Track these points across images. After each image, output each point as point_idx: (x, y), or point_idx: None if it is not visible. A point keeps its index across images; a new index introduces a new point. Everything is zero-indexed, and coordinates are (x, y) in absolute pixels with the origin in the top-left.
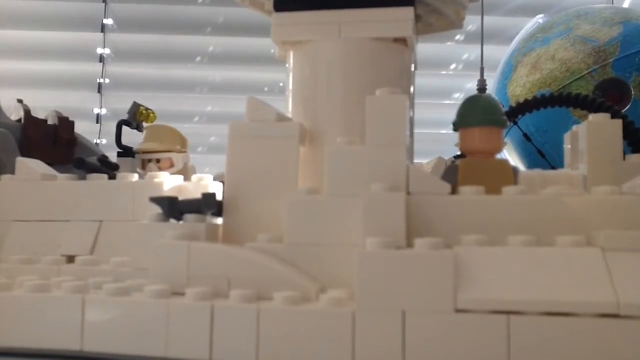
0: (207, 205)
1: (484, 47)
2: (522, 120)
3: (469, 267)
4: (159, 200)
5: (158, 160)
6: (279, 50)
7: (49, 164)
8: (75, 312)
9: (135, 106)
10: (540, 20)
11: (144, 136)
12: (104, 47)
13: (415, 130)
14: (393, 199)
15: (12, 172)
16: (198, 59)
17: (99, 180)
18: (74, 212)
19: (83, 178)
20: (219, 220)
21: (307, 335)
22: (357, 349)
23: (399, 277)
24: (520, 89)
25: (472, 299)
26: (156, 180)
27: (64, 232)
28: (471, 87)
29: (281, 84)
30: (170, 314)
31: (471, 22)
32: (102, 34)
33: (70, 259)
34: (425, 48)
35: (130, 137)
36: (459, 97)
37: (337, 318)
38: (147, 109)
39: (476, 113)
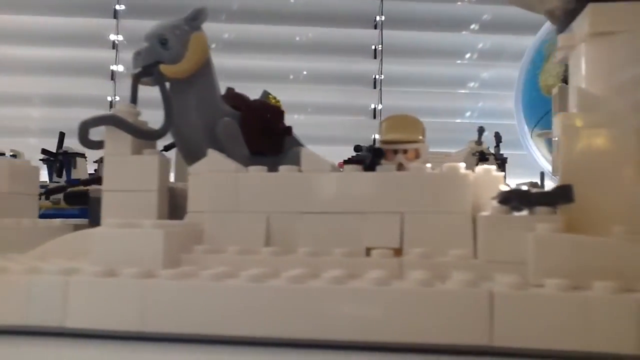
0: (565, 197)
1: (502, 37)
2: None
3: None
4: (511, 193)
5: (405, 151)
6: (563, 42)
7: (260, 154)
8: (481, 308)
9: (265, 95)
10: None
11: (386, 126)
12: (117, 34)
13: (430, 120)
14: None
15: (240, 163)
16: (213, 46)
17: (394, 172)
18: (373, 204)
19: (371, 169)
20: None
21: None
22: None
23: None
24: (553, 79)
25: None
26: (461, 172)
27: (363, 224)
28: (486, 76)
29: (305, 72)
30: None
31: (486, 12)
32: (114, 20)
33: (367, 251)
34: (440, 37)
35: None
36: (474, 87)
37: None
38: (274, 97)
39: None
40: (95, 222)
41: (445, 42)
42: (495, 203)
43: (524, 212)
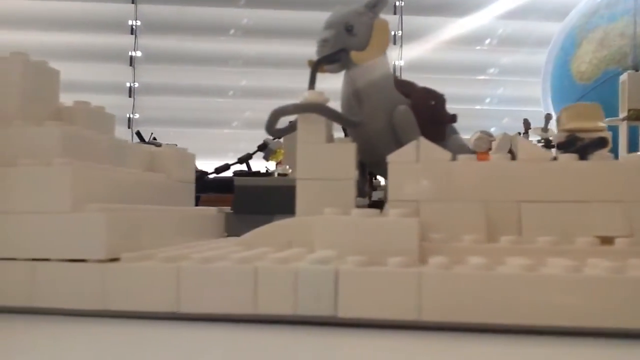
0: None
1: (521, 22)
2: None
3: None
4: None
5: None
6: None
7: None
8: None
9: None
10: None
11: (567, 115)
12: (135, 19)
13: (450, 106)
14: None
15: None
16: (232, 31)
17: (614, 160)
18: (595, 193)
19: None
20: None
21: None
22: None
23: None
24: (586, 66)
25: None
26: None
27: (588, 213)
28: (506, 62)
29: None
30: None
31: None
32: (133, 5)
33: (604, 240)
34: (459, 23)
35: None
36: (493, 73)
37: None
38: None
39: None
40: (239, 210)
41: (464, 27)
42: None
43: None
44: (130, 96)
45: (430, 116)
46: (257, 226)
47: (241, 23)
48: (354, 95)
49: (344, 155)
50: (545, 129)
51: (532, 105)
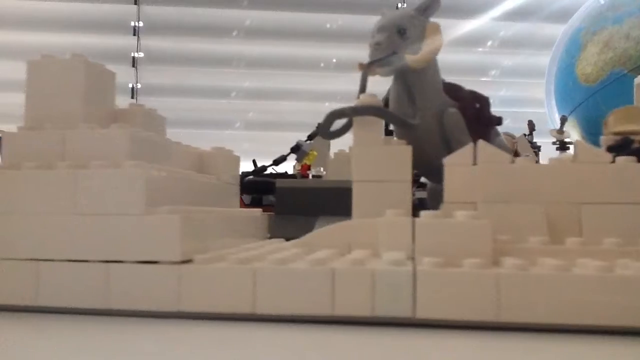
0: None
1: (527, 24)
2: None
3: None
4: None
5: None
6: None
7: None
8: None
9: None
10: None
11: (614, 119)
12: (138, 20)
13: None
14: None
15: None
16: (235, 32)
17: None
18: None
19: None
20: None
21: None
22: None
23: None
24: (591, 68)
25: None
26: None
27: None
28: (508, 64)
29: (334, 60)
30: None
31: None
32: (135, 6)
33: None
34: (461, 25)
35: None
36: (495, 74)
37: None
38: None
39: None
40: (280, 211)
41: (466, 29)
42: None
43: None
44: (132, 97)
45: (477, 119)
46: (299, 228)
47: (244, 24)
48: (407, 99)
49: (400, 158)
50: (560, 131)
51: (534, 106)
